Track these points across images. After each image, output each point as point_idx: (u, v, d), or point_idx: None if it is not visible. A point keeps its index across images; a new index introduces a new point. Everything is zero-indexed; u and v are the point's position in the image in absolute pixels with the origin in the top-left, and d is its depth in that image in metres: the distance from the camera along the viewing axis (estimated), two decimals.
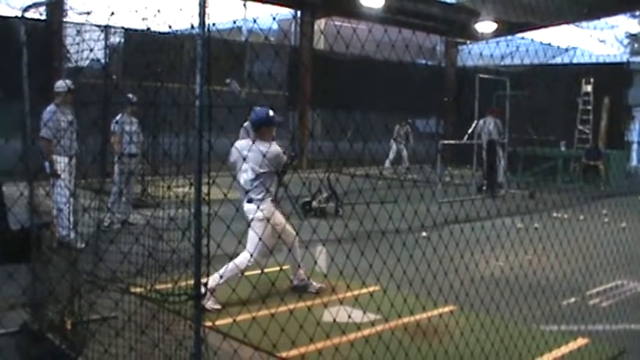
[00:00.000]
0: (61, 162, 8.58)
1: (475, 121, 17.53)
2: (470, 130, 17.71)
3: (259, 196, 6.60)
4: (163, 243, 4.78)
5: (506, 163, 17.75)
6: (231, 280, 6.55)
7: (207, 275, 5.53)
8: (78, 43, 5.80)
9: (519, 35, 25.01)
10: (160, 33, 5.01)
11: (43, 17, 17.09)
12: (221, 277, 6.41)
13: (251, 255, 6.23)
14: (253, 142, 6.60)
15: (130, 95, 10.49)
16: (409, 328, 5.55)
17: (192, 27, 3.57)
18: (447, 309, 6.46)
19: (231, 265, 6.43)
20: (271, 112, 6.94)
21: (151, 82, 5.05)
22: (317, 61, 22.83)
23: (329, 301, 5.63)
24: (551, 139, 20.59)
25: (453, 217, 6.58)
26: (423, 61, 27.84)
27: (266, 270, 6.44)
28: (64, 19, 16.48)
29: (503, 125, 17.53)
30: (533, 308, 6.19)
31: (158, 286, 4.77)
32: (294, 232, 6.89)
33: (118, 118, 10.57)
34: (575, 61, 25.97)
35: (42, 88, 7.49)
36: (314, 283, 7.19)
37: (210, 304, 6.41)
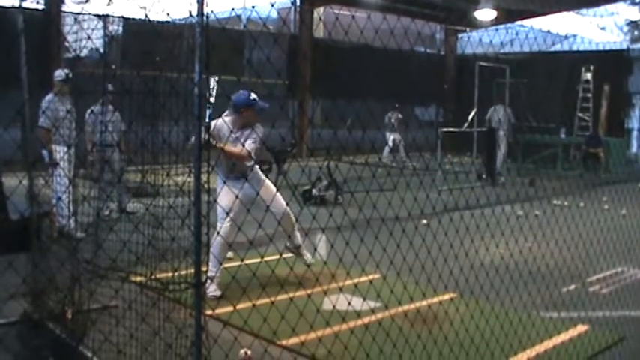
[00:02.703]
0: (60, 151, 8.58)
1: (474, 109, 17.52)
2: (470, 118, 17.70)
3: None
4: (163, 231, 4.78)
5: (506, 151, 17.74)
6: (223, 255, 6.55)
7: (207, 263, 5.55)
8: (76, 32, 5.78)
9: (519, 23, 24.95)
10: (158, 22, 4.99)
11: (41, 6, 17.03)
12: (215, 257, 6.43)
13: (227, 213, 6.35)
14: (237, 125, 6.76)
15: (109, 84, 10.33)
16: (409, 315, 5.56)
17: (190, 14, 3.56)
18: (447, 296, 6.46)
19: (216, 239, 6.46)
20: (253, 95, 6.80)
21: (150, 71, 5.04)
22: (316, 50, 22.78)
23: (329, 288, 5.64)
24: (551, 127, 20.58)
25: (453, 205, 6.57)
26: (422, 49, 27.79)
27: (266, 258, 6.44)
28: (62, 9, 16.44)
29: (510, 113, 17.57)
30: (533, 295, 6.19)
31: (158, 275, 4.78)
32: (274, 193, 6.93)
33: (93, 108, 10.36)
34: (574, 48, 25.94)
35: (40, 77, 7.48)
36: (306, 254, 7.15)
37: (211, 290, 6.42)
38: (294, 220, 6.96)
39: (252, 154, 6.74)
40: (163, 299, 4.56)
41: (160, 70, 4.77)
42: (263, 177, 7.07)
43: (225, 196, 6.47)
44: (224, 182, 6.69)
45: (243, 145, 6.53)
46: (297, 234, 7.13)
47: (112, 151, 10.33)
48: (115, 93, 10.21)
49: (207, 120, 6.61)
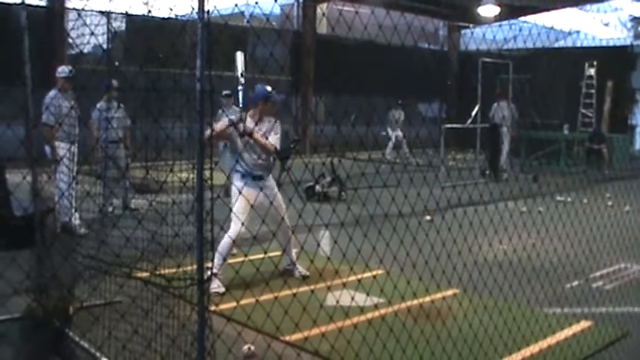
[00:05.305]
0: (63, 148, 8.58)
1: (477, 105, 17.49)
2: (473, 114, 17.67)
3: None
4: (167, 227, 4.78)
5: (510, 147, 17.71)
6: (228, 254, 6.56)
7: (211, 260, 5.54)
8: (79, 28, 5.78)
9: (522, 19, 24.88)
10: (161, 18, 4.99)
11: (44, 3, 17.06)
12: (220, 254, 6.45)
13: (238, 219, 6.39)
14: (255, 118, 6.90)
15: (114, 81, 10.33)
16: (413, 311, 5.56)
17: (193, 8, 3.55)
18: (450, 292, 6.46)
19: (224, 239, 6.48)
20: (269, 88, 7.02)
21: (153, 68, 5.04)
22: (319, 46, 22.76)
23: (332, 284, 5.63)
24: (554, 123, 20.54)
25: (457, 201, 6.56)
26: (426, 45, 27.75)
27: (269, 254, 6.44)
28: (65, 5, 16.46)
29: (514, 109, 17.51)
30: (536, 291, 6.19)
31: (162, 271, 4.78)
32: (284, 209, 6.99)
33: (98, 105, 10.37)
34: (578, 44, 25.84)
35: (43, 74, 7.48)
36: (300, 269, 7.24)
37: (214, 286, 6.42)
38: (290, 233, 7.06)
39: (278, 146, 6.98)
40: (167, 295, 4.56)
41: (163, 66, 4.77)
42: (276, 188, 7.15)
43: (246, 196, 6.49)
44: (244, 183, 6.76)
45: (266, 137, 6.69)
46: (294, 251, 7.19)
47: (117, 147, 10.36)
48: (119, 89, 10.24)
49: (240, 103, 6.80)
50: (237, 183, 6.83)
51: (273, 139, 6.89)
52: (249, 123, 6.79)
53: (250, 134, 6.65)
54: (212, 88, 3.61)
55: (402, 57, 20.50)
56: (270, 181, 7.09)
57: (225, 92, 12.80)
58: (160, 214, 4.80)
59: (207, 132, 5.36)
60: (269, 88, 7.01)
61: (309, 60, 22.68)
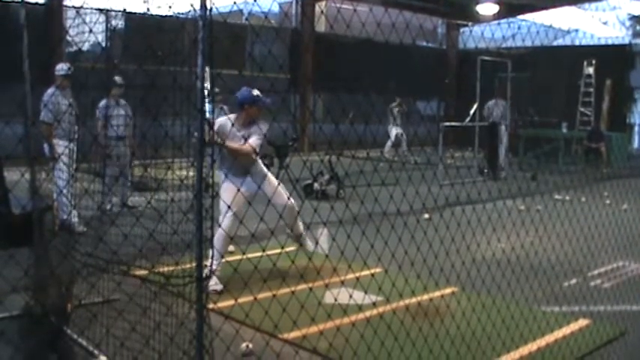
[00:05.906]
0: (62, 145, 8.57)
1: (475, 104, 17.49)
2: (472, 112, 17.67)
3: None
4: (165, 225, 4.78)
5: (508, 146, 17.71)
6: (223, 248, 6.53)
7: (210, 257, 5.53)
8: (78, 26, 5.78)
9: (520, 17, 24.90)
10: (160, 16, 4.99)
11: (43, 0, 17.05)
12: (217, 250, 6.42)
13: (229, 207, 6.27)
14: (241, 122, 6.78)
15: (117, 78, 10.32)
16: (411, 309, 5.57)
17: (192, 6, 3.54)
18: (448, 290, 6.47)
19: (219, 232, 6.43)
20: (256, 92, 6.85)
21: (152, 66, 5.04)
22: (318, 44, 22.76)
23: (330, 282, 5.64)
24: (552, 121, 20.55)
25: (455, 199, 6.57)
26: (425, 43, 27.76)
27: (267, 251, 6.44)
28: (64, 2, 16.45)
29: (509, 107, 17.48)
30: (534, 289, 6.19)
31: (160, 268, 4.79)
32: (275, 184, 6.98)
33: (102, 103, 10.37)
34: (577, 42, 25.87)
35: (42, 72, 7.47)
36: (309, 243, 7.21)
37: (212, 284, 6.41)
38: (296, 211, 6.98)
39: (257, 150, 6.82)
40: (165, 293, 4.57)
41: (162, 63, 4.77)
42: (265, 171, 7.09)
43: (228, 190, 6.47)
44: (226, 175, 6.72)
45: (246, 140, 6.58)
46: (300, 224, 7.13)
47: (123, 144, 10.38)
48: (123, 86, 10.24)
49: (208, 115, 6.64)
50: (221, 177, 6.78)
51: (253, 141, 6.73)
52: (230, 129, 6.66)
53: (224, 145, 6.58)
54: (213, 86, 3.61)
55: (401, 55, 20.52)
56: (257, 169, 6.96)
57: (217, 90, 12.79)
58: (158, 212, 4.80)
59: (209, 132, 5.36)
60: (255, 92, 6.83)
61: (308, 58, 22.67)
